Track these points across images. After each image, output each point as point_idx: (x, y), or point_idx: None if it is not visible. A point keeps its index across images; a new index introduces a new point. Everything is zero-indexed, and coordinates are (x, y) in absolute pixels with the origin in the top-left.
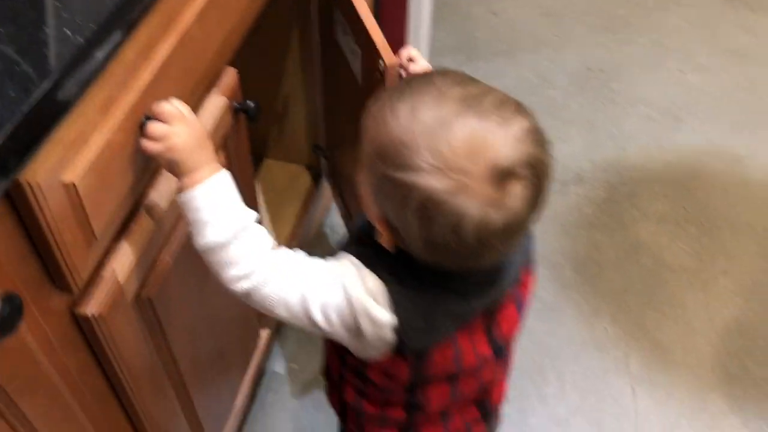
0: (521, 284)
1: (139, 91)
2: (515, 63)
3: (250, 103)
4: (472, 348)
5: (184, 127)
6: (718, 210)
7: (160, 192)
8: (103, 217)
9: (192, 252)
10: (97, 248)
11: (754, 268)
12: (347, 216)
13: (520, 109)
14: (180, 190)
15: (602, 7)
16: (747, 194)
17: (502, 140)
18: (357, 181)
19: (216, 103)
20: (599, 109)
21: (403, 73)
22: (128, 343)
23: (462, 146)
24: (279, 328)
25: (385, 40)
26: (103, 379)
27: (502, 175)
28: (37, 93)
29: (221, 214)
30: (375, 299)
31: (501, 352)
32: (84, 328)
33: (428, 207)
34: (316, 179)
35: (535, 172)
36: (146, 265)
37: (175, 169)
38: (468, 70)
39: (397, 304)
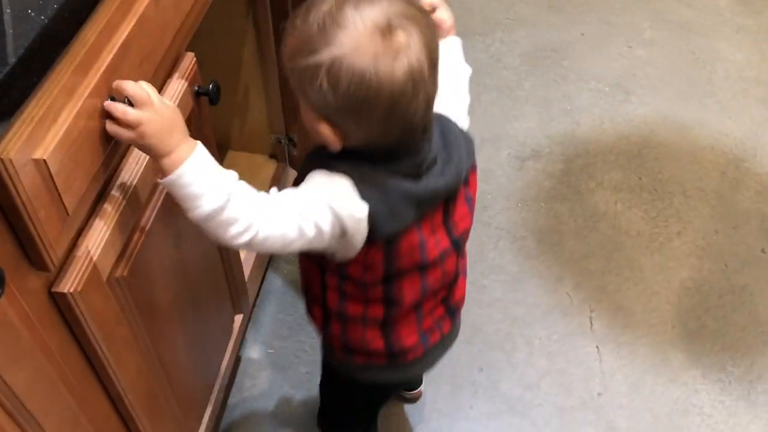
0: (469, 184)
1: (102, 72)
2: (469, 45)
3: (211, 86)
4: (435, 242)
5: (152, 113)
6: (669, 176)
7: (131, 171)
8: (75, 193)
9: (164, 230)
10: (70, 226)
11: (706, 230)
12: None
13: None
14: (162, 172)
15: None
16: (696, 160)
17: (377, 10)
18: (300, 110)
19: (177, 87)
20: (552, 87)
21: None
22: (106, 321)
23: (347, 22)
24: (252, 313)
25: None
26: (83, 359)
27: (383, 30)
28: (5, 72)
29: (211, 183)
30: (350, 198)
31: (458, 245)
32: (61, 306)
33: (334, 73)
34: (279, 168)
35: (412, 21)
36: (119, 243)
37: (151, 153)
38: None
39: (362, 194)
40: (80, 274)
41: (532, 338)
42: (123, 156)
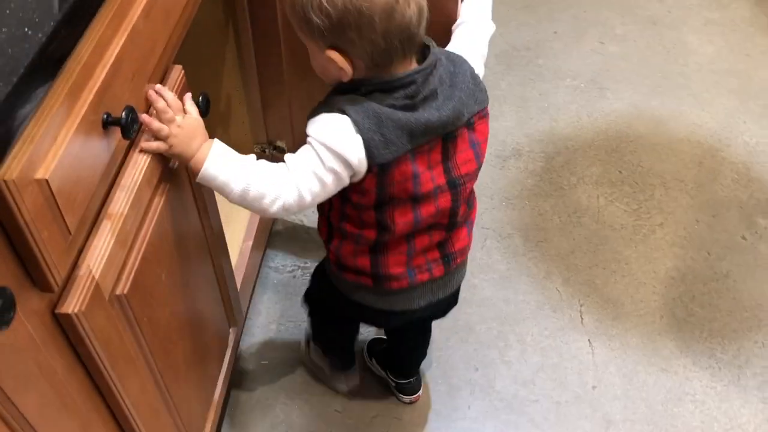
0: (475, 130)
1: (96, 88)
2: None
3: (201, 98)
4: (431, 176)
5: (177, 128)
6: (648, 168)
7: (128, 187)
8: (76, 212)
9: (161, 245)
10: (72, 244)
11: (687, 219)
12: None
13: None
14: (194, 172)
15: None
16: (673, 152)
17: None
18: (311, 59)
19: None
20: (529, 85)
21: None
22: (110, 339)
23: None
24: (245, 326)
25: None
26: (88, 379)
27: None
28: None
29: (232, 169)
30: (347, 136)
31: (454, 185)
32: (65, 326)
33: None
34: None
35: None
36: (119, 260)
37: (180, 159)
38: None
39: (358, 126)
40: (83, 293)
41: (524, 335)
42: (119, 171)
